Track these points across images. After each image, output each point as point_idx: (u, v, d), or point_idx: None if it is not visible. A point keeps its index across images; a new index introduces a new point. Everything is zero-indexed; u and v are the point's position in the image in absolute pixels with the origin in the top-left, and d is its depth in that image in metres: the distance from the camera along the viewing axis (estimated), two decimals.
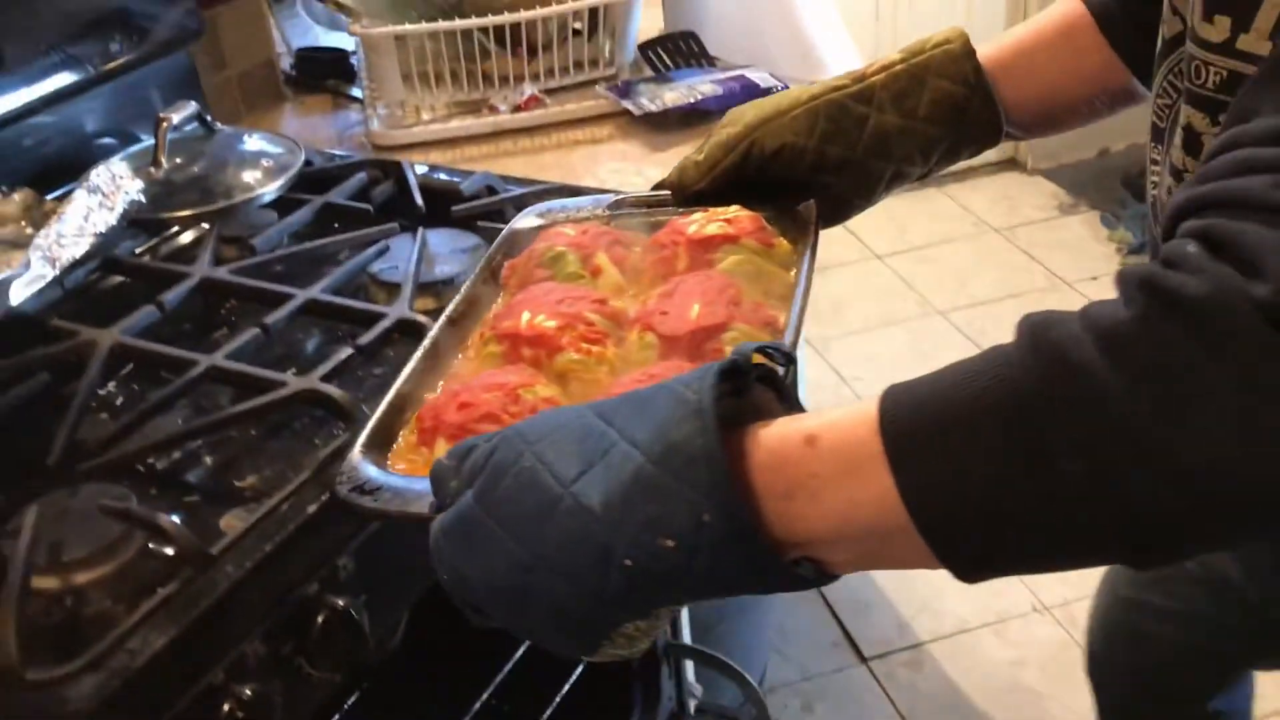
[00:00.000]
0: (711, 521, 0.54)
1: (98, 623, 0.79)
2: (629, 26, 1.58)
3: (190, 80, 1.46)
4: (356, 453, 0.76)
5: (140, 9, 1.35)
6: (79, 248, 1.07)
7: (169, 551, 0.82)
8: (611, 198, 1.01)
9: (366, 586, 0.90)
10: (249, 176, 1.26)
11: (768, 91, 1.48)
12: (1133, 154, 3.38)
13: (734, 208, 0.91)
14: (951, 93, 0.91)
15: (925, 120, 0.91)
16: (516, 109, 1.53)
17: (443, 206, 1.25)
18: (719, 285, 0.84)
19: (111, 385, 1.04)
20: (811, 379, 2.74)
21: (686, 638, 1.48)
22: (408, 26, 1.46)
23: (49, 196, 1.20)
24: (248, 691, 0.81)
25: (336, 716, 1.04)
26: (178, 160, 1.26)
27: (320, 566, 0.87)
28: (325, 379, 0.96)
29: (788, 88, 1.16)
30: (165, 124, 1.24)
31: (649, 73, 1.60)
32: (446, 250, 1.18)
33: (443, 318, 0.89)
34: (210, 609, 0.78)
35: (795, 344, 0.79)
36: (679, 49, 1.63)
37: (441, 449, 0.74)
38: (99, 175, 1.14)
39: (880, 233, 3.30)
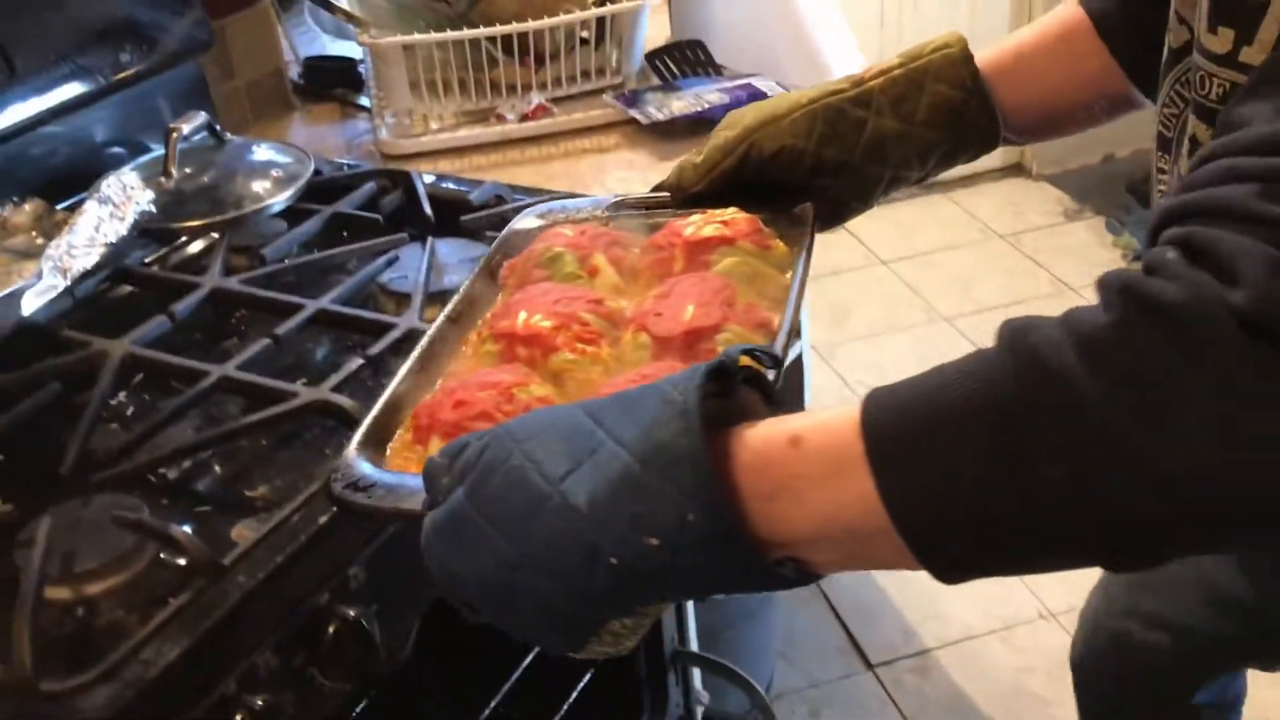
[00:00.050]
0: (695, 521, 0.54)
1: (110, 633, 0.79)
2: (636, 35, 1.58)
3: (199, 90, 1.46)
4: (351, 450, 0.77)
5: (150, 19, 1.36)
6: (90, 258, 1.07)
7: (181, 562, 0.83)
8: (611, 199, 1.02)
9: (377, 596, 0.90)
10: (259, 186, 1.26)
11: None
12: (1138, 160, 3.39)
13: (731, 210, 0.92)
14: (949, 97, 0.91)
15: (923, 125, 0.91)
16: (524, 118, 1.53)
17: (452, 216, 1.25)
18: (714, 287, 0.84)
19: (122, 395, 1.04)
20: (817, 384, 2.74)
21: (694, 645, 1.48)
22: (416, 36, 1.47)
23: (59, 206, 1.20)
24: (259, 702, 0.82)
25: None
26: (188, 170, 1.27)
27: (331, 577, 0.87)
28: (336, 389, 0.96)
29: None
30: (175, 134, 1.25)
31: (656, 81, 1.60)
32: (456, 260, 1.19)
33: (441, 317, 0.89)
34: (222, 619, 0.79)
35: (787, 346, 0.80)
36: (686, 58, 1.63)
37: (436, 447, 0.74)
38: (110, 186, 1.14)
39: (885, 239, 3.30)
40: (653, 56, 1.63)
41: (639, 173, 1.43)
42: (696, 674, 1.49)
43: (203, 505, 0.92)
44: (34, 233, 1.16)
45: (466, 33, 1.48)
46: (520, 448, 0.60)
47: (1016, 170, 3.58)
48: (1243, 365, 0.48)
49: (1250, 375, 0.48)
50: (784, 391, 0.70)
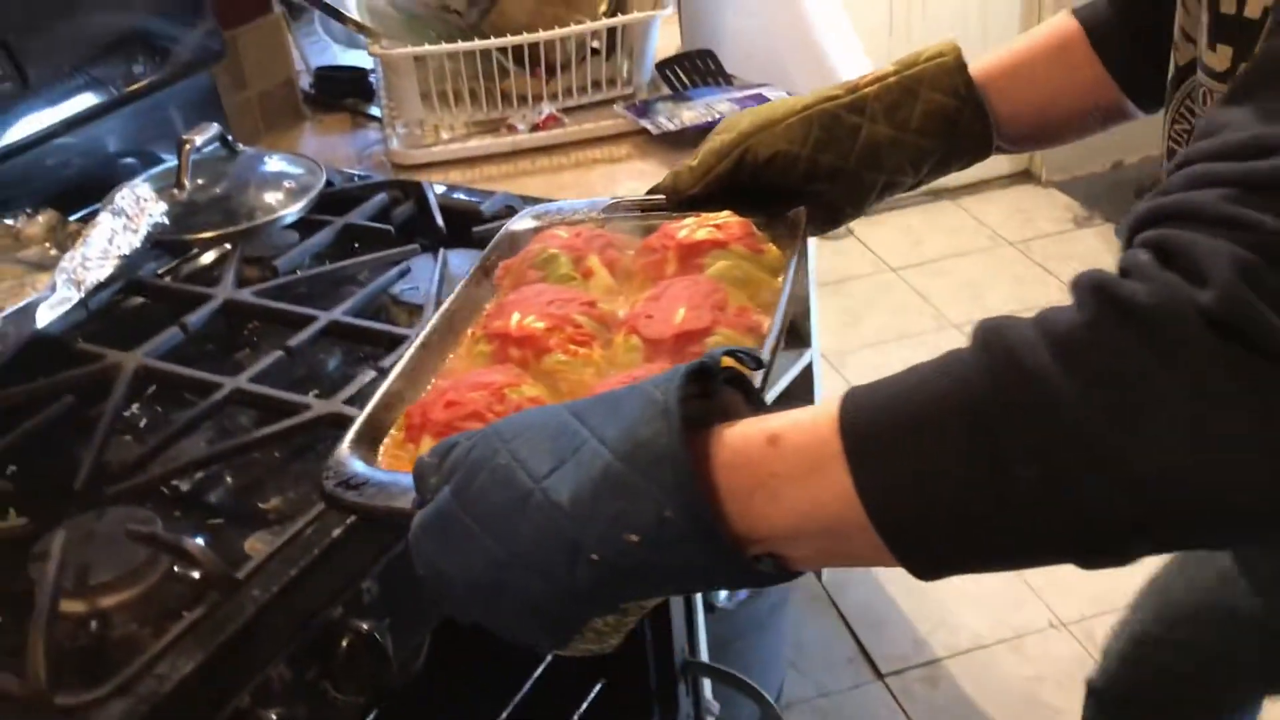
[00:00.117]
0: (673, 518, 0.55)
1: (124, 647, 0.79)
2: (647, 46, 1.58)
3: (211, 100, 1.47)
4: (344, 448, 0.77)
5: (162, 31, 1.36)
6: (104, 270, 1.07)
7: (195, 575, 0.83)
8: (607, 201, 1.02)
9: (390, 609, 0.90)
10: (271, 198, 1.27)
11: None
12: (1147, 167, 3.38)
13: (725, 213, 0.92)
14: (943, 105, 0.92)
15: (917, 132, 0.92)
16: (535, 128, 1.53)
17: (463, 227, 1.25)
18: (705, 290, 0.85)
19: (135, 407, 1.05)
20: (827, 392, 2.73)
21: (704, 655, 1.48)
22: (427, 47, 1.47)
23: (72, 217, 1.21)
24: (273, 716, 0.82)
25: None
26: (200, 181, 1.27)
27: (345, 590, 0.87)
28: (348, 402, 0.96)
29: None
30: (188, 146, 1.25)
31: (667, 91, 1.60)
32: (467, 271, 1.19)
33: (436, 316, 0.90)
34: (236, 633, 0.79)
35: (776, 349, 0.81)
36: (696, 67, 1.63)
37: (427, 446, 0.75)
38: (123, 198, 1.14)
39: (895, 246, 3.30)
40: (663, 66, 1.63)
41: (650, 182, 1.39)
42: (707, 684, 1.49)
43: (216, 518, 0.92)
44: (47, 244, 1.17)
45: (478, 43, 1.48)
46: (507, 447, 0.60)
47: (1025, 177, 3.57)
48: (1213, 366, 0.49)
49: (1221, 376, 0.49)
50: (790, 396, 0.70)
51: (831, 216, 0.96)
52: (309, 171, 1.32)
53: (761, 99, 1.52)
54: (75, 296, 1.04)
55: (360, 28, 1.51)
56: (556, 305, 0.86)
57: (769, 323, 0.83)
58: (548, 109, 1.54)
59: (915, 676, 2.14)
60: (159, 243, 1.18)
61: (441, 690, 1.09)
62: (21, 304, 1.00)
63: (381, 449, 0.79)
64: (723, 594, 1.74)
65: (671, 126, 1.49)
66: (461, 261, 1.20)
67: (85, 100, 1.28)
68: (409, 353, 0.86)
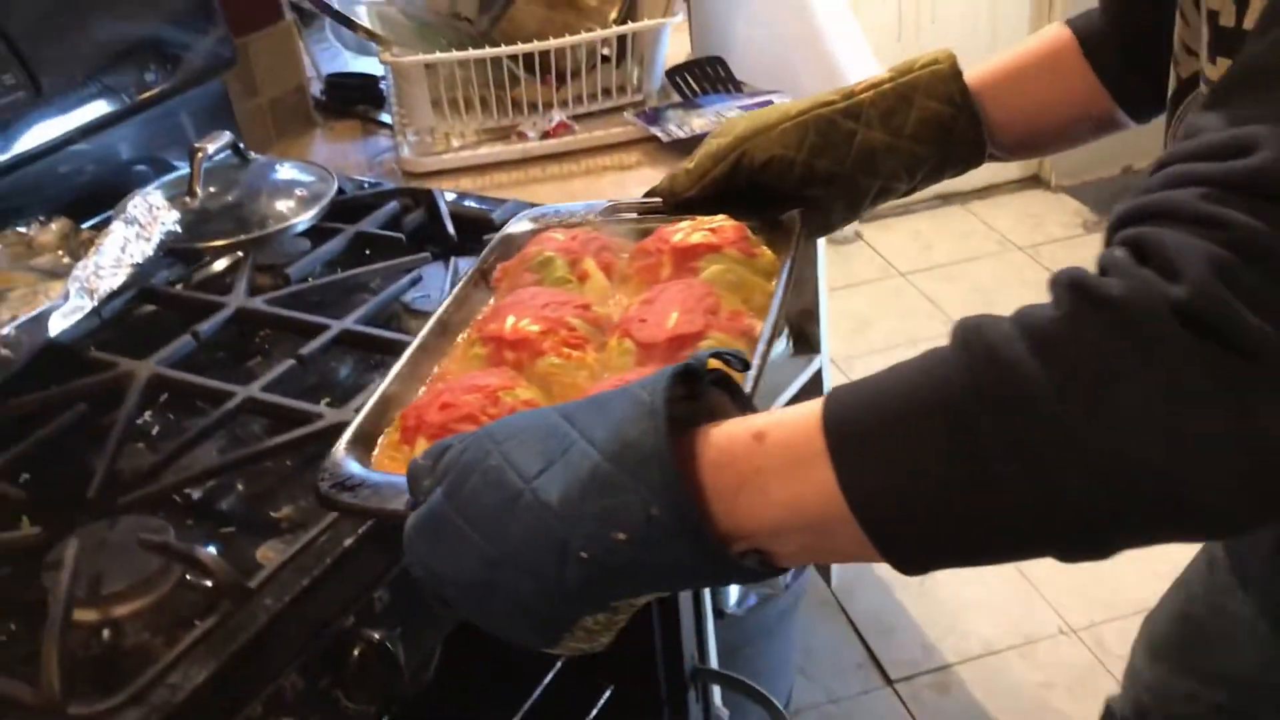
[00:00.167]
0: (660, 517, 0.56)
1: (137, 656, 0.80)
2: (657, 53, 1.59)
3: (223, 107, 1.47)
4: (340, 449, 0.78)
5: (174, 38, 1.37)
6: (116, 279, 1.08)
7: (207, 584, 0.83)
8: (604, 204, 1.02)
9: (401, 618, 0.91)
10: (283, 205, 1.27)
11: None
12: None
13: (720, 217, 0.93)
14: (938, 112, 0.92)
15: (911, 138, 0.93)
16: (545, 135, 1.54)
17: (474, 235, 1.25)
18: (698, 294, 0.86)
19: (148, 415, 1.05)
20: None
21: (713, 662, 1.48)
22: (438, 55, 1.47)
23: (85, 225, 1.22)
24: None
25: None
26: (212, 189, 1.28)
27: (356, 599, 0.87)
28: (360, 411, 0.96)
29: None
30: (200, 155, 1.26)
31: (677, 99, 1.60)
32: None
33: (433, 319, 0.91)
34: (249, 643, 0.79)
35: (768, 352, 0.81)
36: (706, 74, 1.63)
37: (421, 448, 0.75)
38: (136, 206, 1.15)
39: (904, 251, 3.30)
40: (673, 73, 1.63)
41: None
42: (716, 691, 1.49)
43: (228, 526, 0.92)
44: (60, 251, 1.17)
45: (488, 51, 1.48)
46: (499, 449, 0.61)
47: (1035, 182, 3.57)
48: (1188, 363, 0.50)
49: (1196, 374, 0.49)
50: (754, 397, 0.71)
51: (826, 221, 0.97)
52: (320, 179, 1.32)
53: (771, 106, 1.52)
54: (88, 305, 1.05)
55: (371, 35, 1.52)
56: (551, 308, 0.87)
57: (761, 326, 0.84)
58: (558, 116, 1.55)
59: (925, 683, 2.13)
60: (171, 251, 1.19)
61: (452, 698, 1.09)
62: (35, 312, 1.01)
63: (377, 450, 0.80)
64: (732, 600, 1.74)
65: (681, 134, 1.49)
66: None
67: (98, 108, 1.29)
68: (405, 355, 0.87)
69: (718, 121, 1.50)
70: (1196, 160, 0.55)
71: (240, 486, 0.96)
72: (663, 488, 0.56)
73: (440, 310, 0.91)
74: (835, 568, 2.29)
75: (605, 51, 1.58)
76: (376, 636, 0.88)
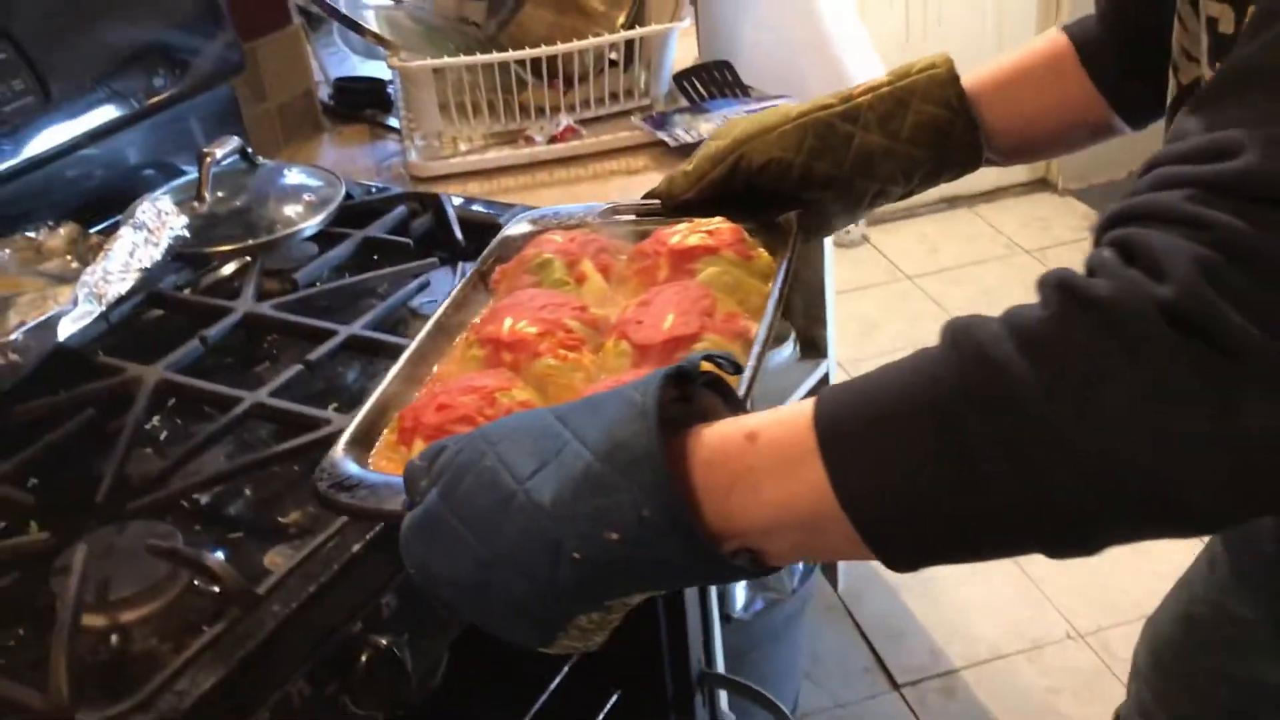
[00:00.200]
0: (651, 516, 0.57)
1: (145, 662, 0.80)
2: (664, 57, 1.59)
3: (231, 112, 1.47)
4: (338, 450, 0.78)
5: (182, 43, 1.37)
6: (125, 284, 1.08)
7: (215, 589, 0.83)
8: (603, 205, 1.02)
9: (409, 624, 0.91)
10: (291, 210, 1.27)
11: None
12: None
13: (717, 219, 0.94)
14: (935, 116, 0.93)
15: (908, 142, 0.93)
16: (553, 140, 1.54)
17: (482, 239, 1.25)
18: (694, 296, 0.86)
19: (156, 420, 1.05)
20: None
21: (720, 666, 1.48)
22: (445, 59, 1.47)
23: (93, 230, 1.22)
24: None
25: None
26: (220, 194, 1.28)
27: (364, 605, 0.87)
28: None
29: None
30: (209, 159, 1.26)
31: (684, 103, 1.60)
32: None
33: (431, 321, 0.91)
34: (256, 649, 0.79)
35: (763, 354, 0.82)
36: (714, 79, 1.63)
37: (419, 449, 0.76)
38: (144, 211, 1.15)
39: (911, 254, 3.30)
40: (680, 78, 1.63)
41: None
42: (723, 696, 1.49)
43: (235, 532, 0.92)
44: (68, 257, 1.17)
45: (496, 55, 1.49)
46: (493, 450, 0.62)
47: (1042, 185, 3.57)
48: (1174, 363, 0.50)
49: (1182, 373, 0.50)
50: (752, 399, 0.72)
51: (824, 223, 0.98)
52: (328, 184, 1.32)
53: None
54: (96, 309, 1.05)
55: (379, 39, 1.52)
56: (549, 310, 0.88)
57: (757, 328, 0.85)
58: (565, 121, 1.55)
59: (932, 687, 2.13)
60: (179, 255, 1.19)
61: (459, 704, 1.09)
62: (43, 317, 1.01)
63: (374, 451, 0.81)
64: (739, 604, 1.74)
65: (689, 138, 1.49)
66: None
67: (106, 113, 1.29)
68: (404, 356, 0.87)
69: None
70: (1184, 162, 0.56)
71: (248, 492, 0.96)
72: (654, 488, 0.57)
73: (439, 312, 0.92)
74: (842, 573, 2.29)
75: (613, 56, 1.58)
76: (384, 642, 0.88)
